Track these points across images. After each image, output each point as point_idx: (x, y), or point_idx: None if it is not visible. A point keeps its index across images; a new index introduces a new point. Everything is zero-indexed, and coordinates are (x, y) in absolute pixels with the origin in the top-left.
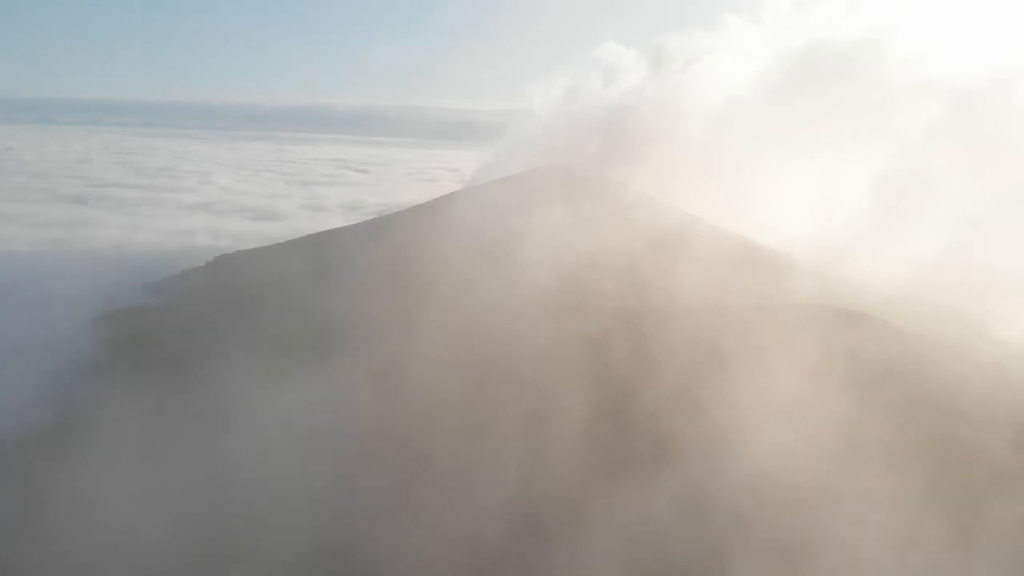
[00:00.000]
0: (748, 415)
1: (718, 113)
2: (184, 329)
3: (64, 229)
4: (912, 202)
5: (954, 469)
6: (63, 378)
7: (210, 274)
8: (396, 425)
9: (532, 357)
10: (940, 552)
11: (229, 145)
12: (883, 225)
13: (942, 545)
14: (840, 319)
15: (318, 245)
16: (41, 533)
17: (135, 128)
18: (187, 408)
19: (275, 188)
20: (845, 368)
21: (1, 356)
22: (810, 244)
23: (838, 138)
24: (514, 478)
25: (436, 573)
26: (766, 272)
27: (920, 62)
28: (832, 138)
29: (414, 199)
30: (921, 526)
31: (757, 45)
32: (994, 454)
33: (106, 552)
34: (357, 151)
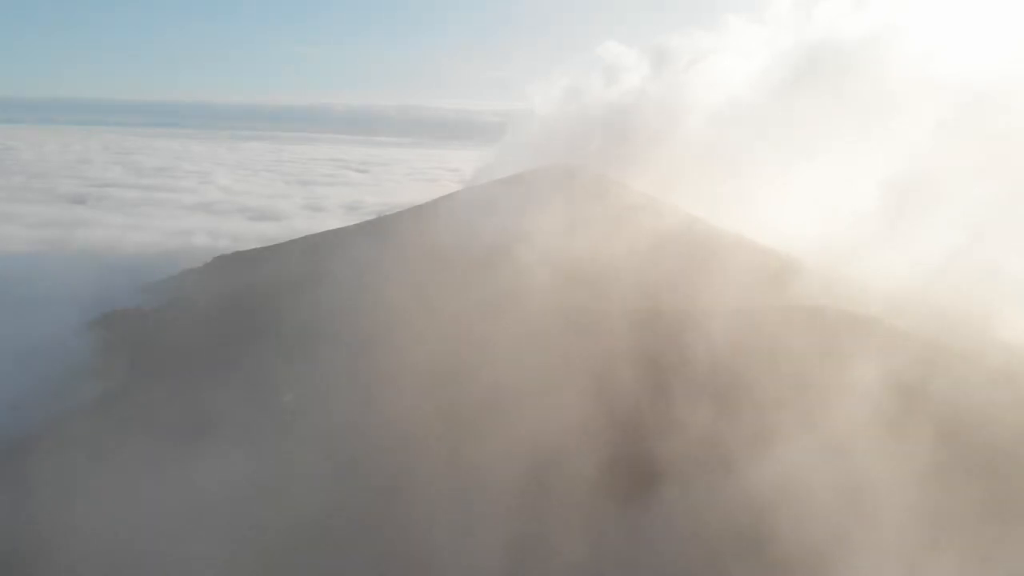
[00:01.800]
0: (755, 426)
1: (721, 113)
2: (179, 332)
3: (63, 229)
4: (918, 203)
5: (960, 479)
6: (58, 380)
7: (207, 275)
8: (385, 435)
9: (531, 365)
10: (952, 570)
11: (229, 145)
12: (888, 226)
13: (954, 562)
14: (844, 322)
15: (315, 246)
16: (33, 537)
17: (135, 128)
18: (175, 416)
19: (275, 188)
20: (850, 374)
21: None
22: (814, 246)
23: (842, 138)
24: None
25: None
26: (769, 274)
27: (925, 60)
28: (836, 138)
29: (414, 199)
30: (930, 540)
31: (759, 45)
32: (1001, 463)
33: (93, 560)
34: (357, 151)
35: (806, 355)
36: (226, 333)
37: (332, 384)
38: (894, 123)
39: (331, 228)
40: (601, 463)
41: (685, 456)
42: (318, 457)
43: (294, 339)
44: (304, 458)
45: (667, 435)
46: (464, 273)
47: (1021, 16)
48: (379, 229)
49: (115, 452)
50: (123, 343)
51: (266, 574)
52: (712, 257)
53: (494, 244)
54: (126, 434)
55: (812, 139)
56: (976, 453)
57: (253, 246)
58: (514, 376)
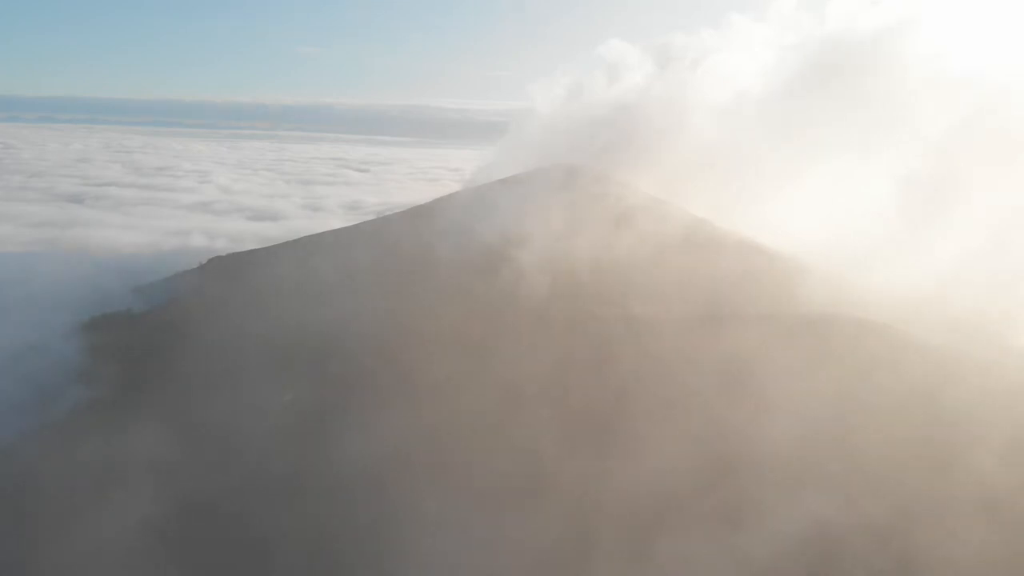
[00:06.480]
0: (757, 434)
1: (727, 112)
2: (172, 336)
3: (59, 229)
4: (932, 206)
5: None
6: (48, 385)
7: (203, 277)
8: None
9: (529, 371)
10: None
11: (231, 144)
12: (901, 230)
13: None
14: (856, 329)
15: (312, 247)
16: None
17: (138, 127)
18: (164, 420)
19: (275, 188)
20: (860, 383)
21: None
22: (824, 249)
23: (853, 138)
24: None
25: None
26: (777, 279)
27: (942, 57)
28: (847, 138)
29: (414, 199)
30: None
31: (764, 43)
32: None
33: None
34: (358, 150)
35: (813, 363)
36: (213, 341)
37: (314, 401)
38: (906, 123)
39: (329, 228)
40: (598, 473)
41: (688, 468)
42: (283, 487)
43: (285, 344)
44: (264, 486)
45: (669, 442)
46: (461, 276)
47: None
48: (376, 231)
49: (98, 462)
50: (111, 349)
51: None
52: (717, 260)
53: (492, 246)
54: (110, 443)
55: (821, 139)
56: (988, 463)
57: (251, 246)
58: (511, 383)
